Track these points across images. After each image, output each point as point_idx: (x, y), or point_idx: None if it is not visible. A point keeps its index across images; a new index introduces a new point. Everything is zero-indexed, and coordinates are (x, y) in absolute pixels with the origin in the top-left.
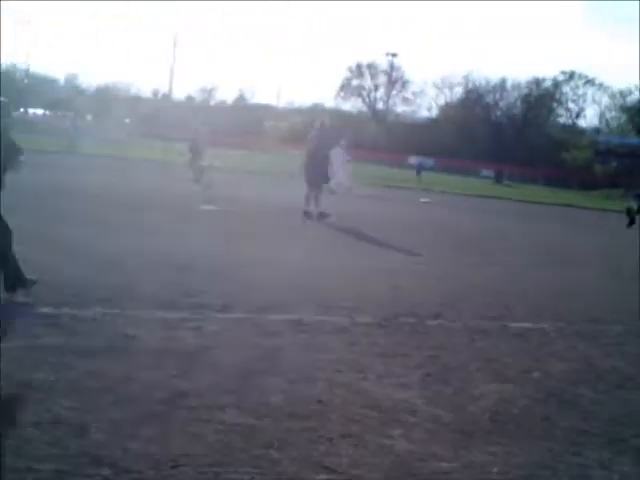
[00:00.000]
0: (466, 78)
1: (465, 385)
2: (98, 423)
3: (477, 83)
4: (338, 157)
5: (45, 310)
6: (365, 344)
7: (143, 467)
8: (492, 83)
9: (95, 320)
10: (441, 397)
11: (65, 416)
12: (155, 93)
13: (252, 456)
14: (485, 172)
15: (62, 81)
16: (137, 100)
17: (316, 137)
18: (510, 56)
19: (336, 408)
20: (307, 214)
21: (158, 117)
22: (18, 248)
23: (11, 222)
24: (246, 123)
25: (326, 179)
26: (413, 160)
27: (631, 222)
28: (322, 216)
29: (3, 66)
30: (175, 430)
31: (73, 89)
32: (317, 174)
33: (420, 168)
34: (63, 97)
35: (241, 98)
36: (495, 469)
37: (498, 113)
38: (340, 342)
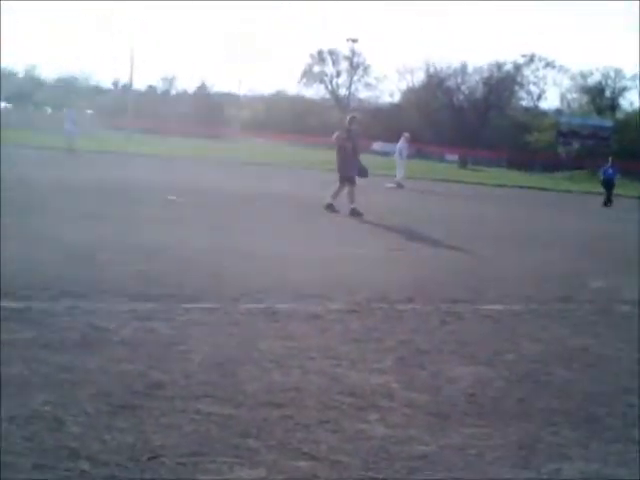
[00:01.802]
0: (427, 63)
1: (440, 368)
2: (74, 416)
3: (438, 67)
4: (403, 152)
5: (14, 304)
6: (338, 330)
7: (121, 459)
8: (453, 67)
9: (65, 313)
10: (416, 381)
11: (40, 410)
12: (115, 83)
13: (230, 445)
14: (449, 156)
15: (22, 73)
16: (98, 91)
17: (346, 132)
18: (470, 40)
19: (312, 395)
20: (330, 207)
21: (122, 108)
22: None
23: None
24: (207, 112)
25: (362, 172)
26: (377, 146)
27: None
28: (354, 213)
29: None
30: (151, 421)
31: (33, 81)
32: (349, 170)
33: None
34: (23, 89)
35: (202, 87)
36: (473, 451)
37: (460, 97)
38: (313, 329)
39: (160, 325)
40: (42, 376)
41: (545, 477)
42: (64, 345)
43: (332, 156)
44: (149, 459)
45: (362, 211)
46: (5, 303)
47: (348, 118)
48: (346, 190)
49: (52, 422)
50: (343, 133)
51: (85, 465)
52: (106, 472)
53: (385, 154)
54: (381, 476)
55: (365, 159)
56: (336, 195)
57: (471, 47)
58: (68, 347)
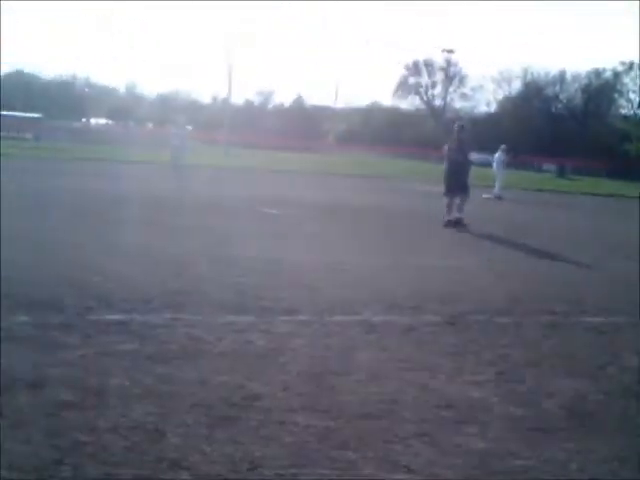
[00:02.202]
0: (525, 71)
1: (539, 382)
2: (174, 427)
3: (536, 75)
4: (501, 163)
5: (116, 317)
6: (434, 343)
7: (221, 470)
8: (551, 75)
9: (166, 325)
10: (515, 394)
11: (141, 421)
12: (214, 98)
13: (328, 457)
14: (547, 166)
15: (122, 90)
16: (197, 106)
17: (456, 142)
18: (569, 48)
19: (409, 407)
20: (449, 223)
21: (220, 122)
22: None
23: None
24: (304, 125)
25: (467, 186)
26: (473, 156)
27: None
28: (459, 223)
29: (64, 77)
30: (250, 433)
31: (133, 97)
32: (459, 181)
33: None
34: (124, 105)
35: (299, 100)
36: (574, 465)
37: (558, 105)
38: (409, 341)
39: (257, 337)
40: (143, 387)
41: None
42: (164, 357)
43: (427, 167)
44: (248, 470)
45: (468, 223)
46: (108, 316)
47: (456, 126)
48: (457, 201)
49: (153, 433)
50: (453, 143)
51: (185, 476)
52: None
53: (481, 164)
54: None
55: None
56: (460, 209)
57: (569, 55)
58: (168, 359)
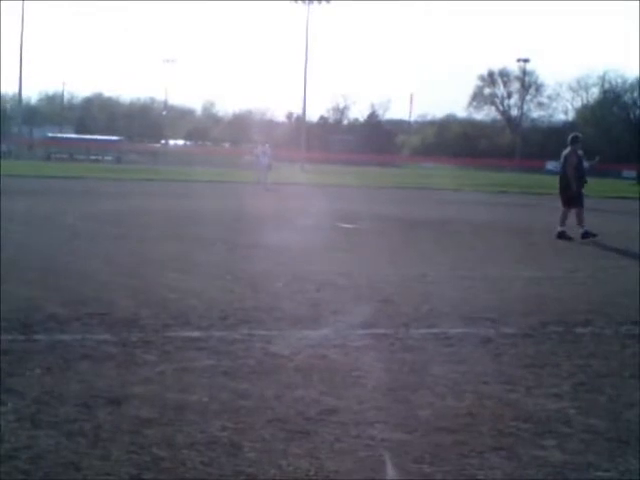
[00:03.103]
0: (602, 78)
1: (619, 393)
2: (251, 442)
3: (614, 82)
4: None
5: (195, 334)
6: (512, 355)
7: None
8: (629, 82)
9: (242, 341)
10: (595, 406)
11: (219, 436)
12: (289, 116)
13: (404, 471)
14: (626, 173)
15: (199, 110)
16: (272, 124)
17: (572, 152)
18: None
19: (486, 420)
20: (562, 235)
21: (295, 140)
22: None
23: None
24: (378, 140)
25: (582, 196)
26: (551, 165)
27: None
28: (587, 235)
29: (142, 100)
30: (325, 447)
31: (210, 118)
32: (575, 192)
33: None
34: (201, 126)
35: (373, 115)
36: None
37: (637, 112)
38: (486, 354)
39: (333, 351)
40: (220, 402)
41: None
42: (241, 372)
43: (501, 178)
44: None
45: (595, 232)
46: (186, 333)
47: (570, 138)
48: (575, 212)
49: (230, 447)
50: (568, 155)
51: None
52: None
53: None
54: None
55: (539, 179)
56: (580, 220)
57: None
58: (245, 374)
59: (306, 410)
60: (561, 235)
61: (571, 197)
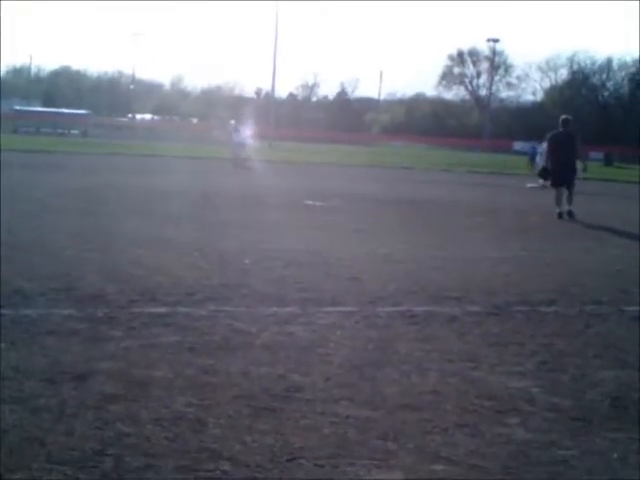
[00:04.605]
0: (571, 59)
1: (583, 372)
2: (216, 418)
3: (582, 64)
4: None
5: (161, 310)
6: (477, 333)
7: (261, 460)
8: (598, 64)
9: (209, 317)
10: (558, 384)
11: (184, 412)
12: (258, 92)
13: (368, 448)
14: (594, 154)
15: (167, 85)
16: (241, 100)
17: (561, 135)
18: (615, 35)
19: (450, 398)
20: (561, 215)
21: (264, 116)
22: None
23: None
24: (347, 117)
25: (573, 178)
26: (519, 146)
27: None
28: (571, 215)
29: (110, 74)
30: (291, 423)
31: (178, 92)
32: (567, 173)
33: (534, 154)
34: (169, 101)
35: (342, 93)
36: (615, 455)
37: (605, 94)
38: (451, 332)
39: (300, 329)
40: (186, 378)
41: None
42: (207, 348)
43: (470, 157)
44: (288, 460)
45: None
46: (152, 309)
47: (561, 120)
48: (565, 193)
49: (195, 423)
50: (557, 137)
51: (226, 466)
52: (246, 473)
53: (527, 154)
54: None
55: (507, 159)
56: (570, 200)
57: (616, 42)
58: (211, 350)
59: (272, 387)
60: (560, 215)
61: (566, 178)
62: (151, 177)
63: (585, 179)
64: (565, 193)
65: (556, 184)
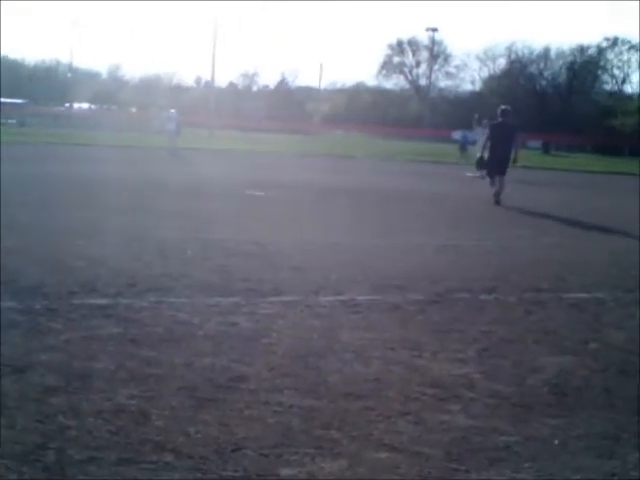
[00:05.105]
0: (509, 49)
1: (523, 358)
2: (159, 410)
3: (520, 53)
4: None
5: (101, 301)
6: (419, 321)
7: (205, 451)
8: (536, 53)
9: (150, 308)
10: (499, 371)
11: (126, 404)
12: (198, 81)
13: (312, 437)
14: (532, 143)
15: (105, 74)
16: (180, 89)
17: (500, 125)
18: (553, 24)
19: (393, 386)
20: (498, 201)
21: (202, 106)
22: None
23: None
24: (288, 107)
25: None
26: (457, 135)
27: None
28: (497, 197)
29: (47, 62)
30: (235, 414)
31: (116, 81)
32: (501, 162)
33: (465, 142)
34: (107, 90)
35: (283, 82)
36: (556, 441)
37: (543, 83)
38: (393, 320)
39: (243, 319)
40: (128, 370)
41: (630, 467)
42: (149, 340)
43: (410, 146)
44: (232, 451)
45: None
46: (93, 300)
47: (500, 111)
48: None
49: (138, 416)
50: (496, 127)
51: (169, 457)
52: (190, 464)
53: (466, 143)
54: (463, 467)
55: (447, 148)
56: (502, 186)
57: (554, 31)
58: (153, 342)
59: (215, 378)
60: (498, 201)
61: (500, 167)
62: (87, 166)
63: (525, 167)
64: (499, 180)
65: (490, 173)
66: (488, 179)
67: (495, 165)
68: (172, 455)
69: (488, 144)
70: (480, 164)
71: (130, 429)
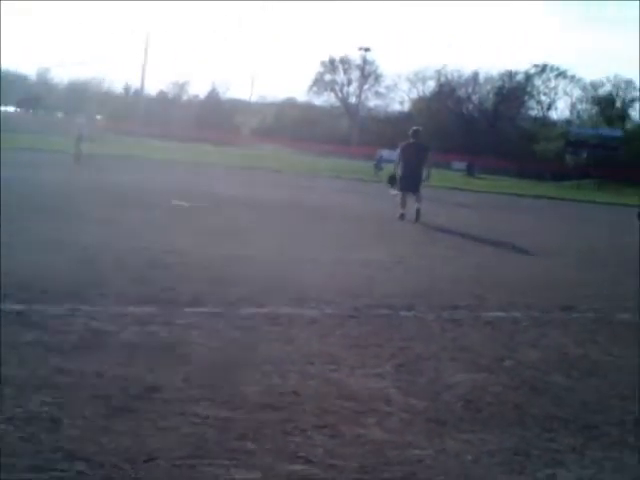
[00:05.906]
0: (439, 72)
1: (438, 374)
2: (71, 419)
3: (450, 77)
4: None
5: (15, 307)
6: (337, 335)
7: (117, 461)
8: (465, 77)
9: (65, 316)
10: (415, 386)
11: (38, 412)
12: (127, 89)
13: (227, 448)
14: (457, 165)
15: (34, 77)
16: (109, 96)
17: (412, 145)
18: (483, 50)
19: (310, 399)
20: (402, 216)
21: (131, 113)
22: None
23: None
24: (218, 118)
25: (420, 184)
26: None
27: None
28: (418, 213)
29: None
30: (148, 424)
31: (44, 85)
32: (414, 180)
33: (380, 161)
34: (34, 93)
35: (213, 92)
36: (469, 456)
37: (470, 106)
38: (312, 334)
39: (160, 329)
40: (40, 378)
41: None
42: (63, 348)
43: (339, 164)
44: (145, 461)
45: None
46: (5, 305)
47: (411, 131)
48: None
49: (49, 424)
50: (408, 147)
51: (81, 466)
52: (102, 473)
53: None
54: None
55: (373, 167)
56: (419, 200)
57: (483, 56)
58: (67, 350)
59: (130, 387)
60: (402, 217)
61: (412, 184)
62: (8, 170)
63: (448, 188)
64: (412, 197)
65: (403, 189)
66: (399, 197)
67: (407, 183)
68: (84, 463)
69: (401, 164)
70: (392, 182)
71: (42, 437)
